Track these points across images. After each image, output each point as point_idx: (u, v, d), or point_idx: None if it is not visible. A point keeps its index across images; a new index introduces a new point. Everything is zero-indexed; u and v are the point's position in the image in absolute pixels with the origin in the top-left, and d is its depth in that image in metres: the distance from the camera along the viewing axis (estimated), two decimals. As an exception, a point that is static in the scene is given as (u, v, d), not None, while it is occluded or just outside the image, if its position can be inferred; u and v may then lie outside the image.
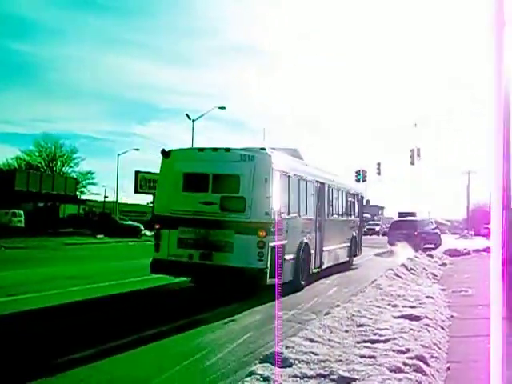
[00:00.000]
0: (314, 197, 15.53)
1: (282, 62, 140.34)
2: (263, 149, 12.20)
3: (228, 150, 12.29)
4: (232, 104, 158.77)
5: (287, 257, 12.67)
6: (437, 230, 36.36)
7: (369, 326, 7.75)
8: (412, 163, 33.70)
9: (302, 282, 13.80)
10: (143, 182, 57.20)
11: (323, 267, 16.37)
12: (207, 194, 12.14)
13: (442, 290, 12.84)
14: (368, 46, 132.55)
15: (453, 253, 25.69)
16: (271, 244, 11.52)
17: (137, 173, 57.52)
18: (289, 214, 13.06)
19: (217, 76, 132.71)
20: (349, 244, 20.06)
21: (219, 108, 46.31)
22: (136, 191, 57.94)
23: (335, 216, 18.42)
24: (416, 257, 18.61)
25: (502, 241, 2.60)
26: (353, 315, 8.42)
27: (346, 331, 7.51)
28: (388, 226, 44.11)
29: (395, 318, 8.38)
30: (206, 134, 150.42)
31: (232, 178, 12.08)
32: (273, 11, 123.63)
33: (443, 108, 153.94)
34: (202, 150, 12.98)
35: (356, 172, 45.13)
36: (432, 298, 10.47)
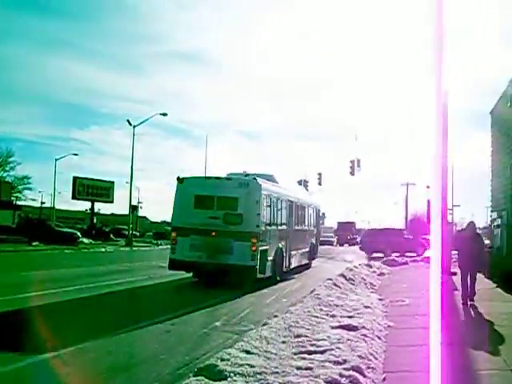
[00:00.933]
0: (286, 212, 19.77)
1: (227, 70, 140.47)
2: (255, 178, 16.50)
3: (229, 178, 17.26)
4: (175, 111, 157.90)
5: (269, 258, 16.70)
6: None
7: (306, 336, 7.64)
8: (352, 174, 34.33)
9: (278, 278, 17.74)
10: (81, 187, 55.64)
11: (291, 267, 20.33)
12: (213, 211, 16.01)
13: (380, 299, 12.97)
14: (311, 59, 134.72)
15: (391, 263, 26.13)
16: (260, 248, 15.66)
17: (75, 178, 55.87)
18: (270, 225, 17.26)
19: (160, 82, 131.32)
20: (309, 249, 24.41)
21: (161, 114, 45.81)
22: (73, 197, 56.24)
23: (300, 226, 22.65)
24: (355, 267, 18.78)
25: (440, 251, 2.61)
26: (291, 326, 8.31)
27: (284, 342, 7.38)
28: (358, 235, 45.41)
29: (333, 328, 8.32)
30: (148, 140, 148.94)
31: (232, 199, 16.06)
32: (219, 18, 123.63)
33: (384, 121, 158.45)
34: (208, 178, 18.50)
35: (298, 182, 45.52)
36: (370, 307, 10.52)
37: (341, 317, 9.38)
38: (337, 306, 10.52)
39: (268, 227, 16.81)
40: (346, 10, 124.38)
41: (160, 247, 46.36)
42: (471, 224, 13.17)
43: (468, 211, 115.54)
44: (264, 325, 8.47)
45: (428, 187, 63.40)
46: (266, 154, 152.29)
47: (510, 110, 17.78)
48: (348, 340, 7.41)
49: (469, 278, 12.26)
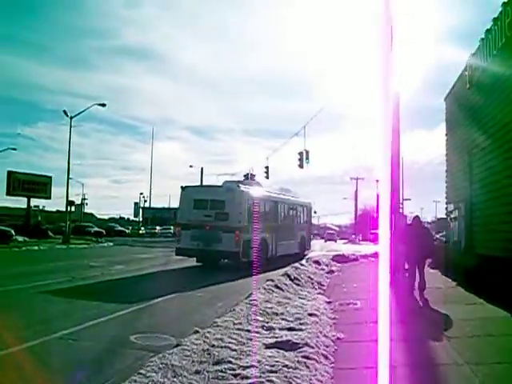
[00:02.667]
0: (269, 210, 24.33)
1: (175, 67, 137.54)
2: (238, 186, 21.78)
3: (219, 186, 23.25)
4: (123, 107, 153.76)
5: (253, 246, 20.22)
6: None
7: (230, 362, 5.71)
8: (301, 166, 32.55)
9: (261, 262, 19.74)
10: (16, 183, 51.90)
11: (278, 255, 24.19)
12: (207, 211, 20.72)
13: (328, 302, 11.25)
14: (258, 56, 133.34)
15: (340, 259, 24.50)
16: (242, 238, 20.01)
17: (9, 173, 51.95)
18: (253, 222, 20.90)
19: (108, 78, 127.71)
20: (299, 241, 28.97)
21: (99, 105, 42.97)
22: (8, 193, 52.32)
23: (286, 222, 26.99)
24: (301, 264, 16.98)
25: (390, 246, 2.51)
26: (212, 345, 6.38)
27: (197, 372, 5.43)
28: None
29: (267, 347, 6.44)
30: (97, 136, 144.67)
31: (221, 201, 20.60)
32: (166, 15, 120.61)
33: (334, 114, 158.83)
34: (204, 186, 26.26)
35: (244, 176, 43.64)
36: (316, 315, 8.71)
37: (280, 329, 7.53)
38: (276, 314, 8.66)
39: (251, 222, 20.85)
40: (289, 10, 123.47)
41: (100, 245, 43.61)
42: (416, 217, 13.26)
43: (417, 205, 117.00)
44: (177, 346, 6.46)
45: (377, 181, 62.75)
46: (216, 150, 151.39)
47: (467, 93, 16.43)
48: (284, 366, 5.54)
49: (417, 269, 12.29)
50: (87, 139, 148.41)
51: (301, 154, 32.69)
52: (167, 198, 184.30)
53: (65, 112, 43.55)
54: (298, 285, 13.37)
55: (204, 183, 40.90)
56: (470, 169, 16.30)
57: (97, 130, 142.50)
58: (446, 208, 20.18)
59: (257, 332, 7.30)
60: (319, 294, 13.16)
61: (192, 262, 22.06)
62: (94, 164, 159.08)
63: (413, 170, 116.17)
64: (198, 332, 7.14)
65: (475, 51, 15.61)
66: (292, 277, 13.78)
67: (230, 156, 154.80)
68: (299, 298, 10.88)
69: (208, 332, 7.06)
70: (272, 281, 11.90)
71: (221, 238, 20.01)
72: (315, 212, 38.70)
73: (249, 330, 7.32)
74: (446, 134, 20.75)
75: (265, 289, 10.88)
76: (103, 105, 43.21)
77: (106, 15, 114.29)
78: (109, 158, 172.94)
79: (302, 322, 8.00)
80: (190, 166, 72.89)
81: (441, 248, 20.67)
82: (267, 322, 7.92)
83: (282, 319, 8.22)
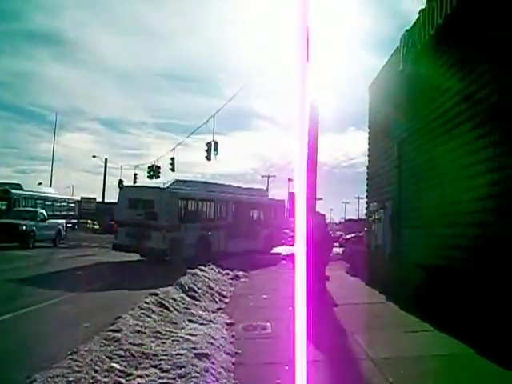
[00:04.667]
0: (217, 209, 25.11)
1: (83, 55, 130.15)
2: (168, 187, 22.46)
3: (150, 187, 24.06)
4: (28, 94, 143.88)
5: (186, 243, 21.29)
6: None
7: None
8: (208, 158, 29.60)
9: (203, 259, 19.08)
10: None
11: (227, 251, 23.58)
12: (139, 210, 21.57)
13: (229, 325, 8.41)
14: (166, 51, 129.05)
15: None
16: (169, 236, 20.70)
17: None
18: (186, 220, 22.07)
19: (10, 63, 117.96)
20: (264, 238, 28.25)
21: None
22: None
23: (242, 220, 26.48)
24: (201, 269, 13.97)
25: (309, 249, 2.20)
26: None
27: None
28: None
29: None
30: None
31: (151, 201, 21.41)
32: (78, 1, 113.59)
33: (249, 113, 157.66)
34: (137, 186, 27.77)
35: (148, 168, 40.10)
36: (207, 355, 5.77)
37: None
38: (146, 356, 5.65)
39: (182, 221, 21.88)
40: (207, 6, 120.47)
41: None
42: (317, 213, 12.39)
43: (327, 206, 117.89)
44: None
45: (290, 180, 61.04)
46: (127, 143, 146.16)
47: (398, 75, 14.26)
48: None
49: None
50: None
51: (209, 144, 29.73)
52: (78, 190, 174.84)
53: None
54: (193, 297, 10.40)
55: (120, 178, 44.81)
56: (399, 162, 14.13)
57: (1, 117, 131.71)
58: (367, 208, 18.07)
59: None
60: (219, 309, 10.30)
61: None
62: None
63: (321, 171, 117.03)
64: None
65: (411, 27, 13.46)
66: (186, 287, 10.75)
67: (141, 150, 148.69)
68: (190, 320, 7.88)
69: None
70: (155, 295, 8.79)
71: (150, 235, 20.83)
72: None
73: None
74: (369, 127, 18.66)
75: (143, 308, 7.74)
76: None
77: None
78: (14, 147, 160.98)
79: (184, 372, 5.05)
80: (93, 157, 69.33)
81: (360, 252, 18.58)
82: (127, 375, 4.90)
83: (154, 366, 5.22)
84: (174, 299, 8.96)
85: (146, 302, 7.97)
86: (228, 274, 16.14)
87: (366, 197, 18.55)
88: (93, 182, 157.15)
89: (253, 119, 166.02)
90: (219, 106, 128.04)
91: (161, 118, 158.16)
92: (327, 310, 9.64)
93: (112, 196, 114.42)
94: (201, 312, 8.76)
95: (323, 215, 13.90)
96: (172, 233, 20.93)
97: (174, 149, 34.55)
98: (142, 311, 7.42)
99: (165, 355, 5.54)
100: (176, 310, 8.46)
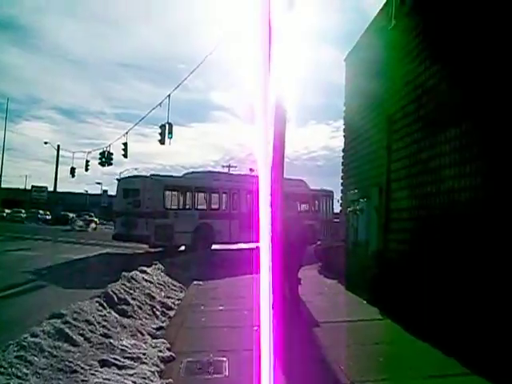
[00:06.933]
0: (212, 197, 24.47)
1: (41, 41, 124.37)
2: (152, 175, 23.93)
3: (137, 176, 25.71)
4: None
5: (178, 231, 21.84)
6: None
7: None
8: (162, 142, 26.58)
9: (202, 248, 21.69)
10: None
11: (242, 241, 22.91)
12: (129, 199, 22.81)
13: (167, 362, 5.71)
14: (132, 39, 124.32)
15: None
16: (156, 222, 21.16)
17: None
18: (175, 208, 22.73)
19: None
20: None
21: None
22: None
23: (241, 209, 24.48)
24: (143, 271, 11.10)
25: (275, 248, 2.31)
26: None
27: None
28: None
29: None
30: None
31: (136, 190, 22.51)
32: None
33: (209, 105, 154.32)
34: (129, 177, 26.57)
35: (100, 154, 36.72)
36: None
37: None
38: None
39: (172, 209, 22.28)
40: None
41: None
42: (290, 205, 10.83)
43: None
44: None
45: (252, 171, 58.43)
46: (86, 133, 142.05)
47: (387, 36, 11.76)
48: None
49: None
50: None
51: (162, 127, 26.64)
52: (33, 179, 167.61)
53: None
54: (124, 313, 7.58)
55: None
56: (388, 142, 11.64)
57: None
58: (343, 197, 15.57)
59: None
60: (159, 329, 7.55)
61: None
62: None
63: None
64: None
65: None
66: (115, 298, 7.92)
67: (100, 140, 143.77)
68: (103, 361, 5.09)
69: None
70: (59, 317, 5.91)
71: (136, 222, 21.34)
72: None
73: None
74: (345, 104, 16.13)
75: (23, 347, 4.83)
76: None
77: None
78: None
79: None
80: (45, 143, 65.43)
81: (333, 248, 16.08)
82: None
83: None
84: (89, 322, 6.12)
85: (33, 335, 5.08)
86: (178, 273, 13.32)
87: (342, 184, 16.04)
88: (49, 172, 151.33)
89: (213, 111, 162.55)
90: (180, 97, 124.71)
91: (120, 108, 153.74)
92: (306, 335, 7.02)
93: (66, 186, 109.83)
94: (127, 341, 5.96)
95: (295, 206, 11.38)
96: (157, 219, 21.12)
97: (126, 133, 31.26)
98: (20, 353, 4.58)
99: None
100: (87, 340, 5.64)
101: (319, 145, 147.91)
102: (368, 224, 12.27)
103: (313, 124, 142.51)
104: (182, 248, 22.64)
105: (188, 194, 23.51)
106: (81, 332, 5.74)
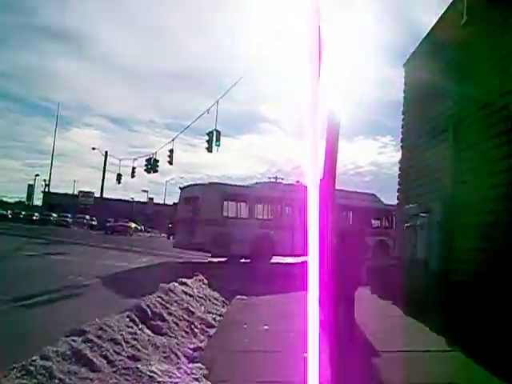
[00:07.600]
0: (276, 207, 23.69)
1: (94, 52, 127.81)
2: (211, 183, 23.94)
3: (196, 184, 24.11)
4: (37, 88, 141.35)
5: (235, 239, 21.15)
6: None
7: None
8: (209, 150, 26.08)
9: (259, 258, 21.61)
10: None
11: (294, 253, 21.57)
12: (189, 207, 22.49)
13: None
14: (185, 52, 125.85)
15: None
16: (209, 230, 20.83)
17: None
18: (234, 216, 22.26)
19: (22, 56, 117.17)
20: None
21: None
22: None
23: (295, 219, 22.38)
24: (182, 282, 10.25)
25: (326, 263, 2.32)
26: None
27: None
28: None
29: None
30: (8, 116, 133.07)
31: (196, 197, 22.12)
32: None
33: (257, 117, 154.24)
34: (190, 185, 24.65)
35: (146, 161, 36.69)
36: None
37: None
38: None
39: (230, 217, 21.93)
40: (223, 11, 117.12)
41: None
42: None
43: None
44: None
45: (298, 182, 57.41)
46: (135, 142, 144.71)
47: (457, 34, 10.69)
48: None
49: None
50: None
51: (210, 134, 26.17)
52: (81, 184, 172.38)
53: None
54: (158, 331, 6.79)
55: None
56: (454, 152, 10.52)
57: (11, 109, 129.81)
58: (399, 211, 14.43)
59: None
60: (196, 350, 6.70)
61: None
62: (6, 146, 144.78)
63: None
64: None
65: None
66: (149, 313, 7.16)
67: (148, 148, 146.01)
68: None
69: None
70: (81, 334, 5.15)
71: (193, 230, 21.03)
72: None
73: None
74: (403, 112, 15.03)
75: (28, 373, 4.09)
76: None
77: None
78: (21, 140, 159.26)
79: None
80: (93, 149, 66.14)
81: (387, 266, 14.89)
82: None
83: None
84: (115, 341, 5.34)
85: (43, 357, 4.27)
86: (223, 287, 12.49)
87: (398, 198, 14.91)
88: (98, 179, 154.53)
89: (260, 123, 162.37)
90: (228, 109, 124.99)
91: (170, 118, 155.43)
92: (364, 366, 5.99)
93: (113, 193, 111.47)
94: (157, 366, 5.14)
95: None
96: (213, 227, 20.86)
97: (173, 140, 31.25)
98: (23, 381, 3.79)
99: None
100: (110, 363, 4.84)
101: (367, 160, 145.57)
102: (428, 241, 11.13)
103: (361, 139, 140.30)
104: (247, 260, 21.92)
105: (248, 203, 22.89)
106: (104, 353, 4.95)
